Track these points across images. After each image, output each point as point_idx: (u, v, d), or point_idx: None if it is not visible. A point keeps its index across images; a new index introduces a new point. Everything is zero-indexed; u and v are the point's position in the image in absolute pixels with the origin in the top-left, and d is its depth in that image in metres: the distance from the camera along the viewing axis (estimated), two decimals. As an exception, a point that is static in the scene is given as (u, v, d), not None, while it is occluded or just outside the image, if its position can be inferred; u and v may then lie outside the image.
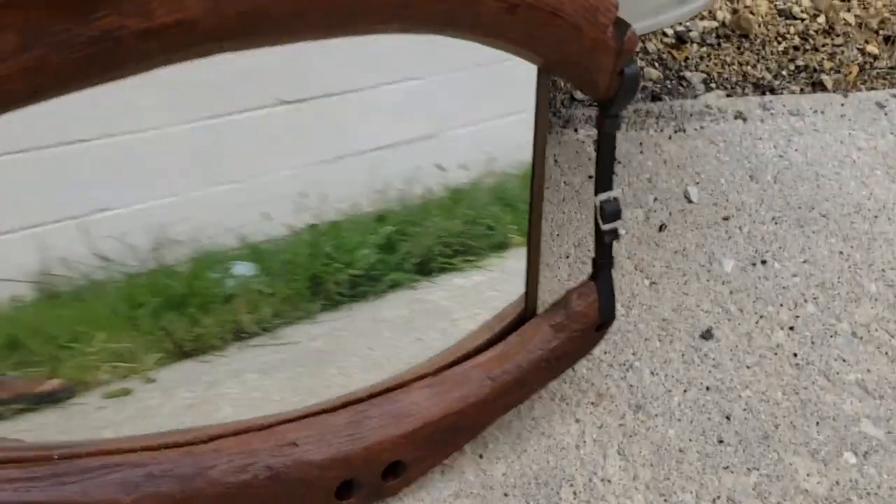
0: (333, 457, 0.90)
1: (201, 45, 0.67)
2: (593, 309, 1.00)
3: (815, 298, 1.22)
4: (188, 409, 0.91)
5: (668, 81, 1.76)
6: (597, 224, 0.98)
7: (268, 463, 0.87)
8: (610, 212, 0.96)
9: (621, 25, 0.83)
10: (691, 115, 1.45)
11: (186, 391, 0.90)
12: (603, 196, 0.96)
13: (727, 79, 1.78)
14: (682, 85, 1.76)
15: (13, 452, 0.81)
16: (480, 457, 1.02)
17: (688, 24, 1.92)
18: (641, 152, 1.38)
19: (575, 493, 1.00)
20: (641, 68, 1.77)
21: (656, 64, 1.82)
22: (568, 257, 1.22)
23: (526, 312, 1.02)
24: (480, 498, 0.98)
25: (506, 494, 0.99)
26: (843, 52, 1.89)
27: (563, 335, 1.00)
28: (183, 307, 0.89)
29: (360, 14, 0.68)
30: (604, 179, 0.96)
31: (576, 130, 1.38)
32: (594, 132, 1.38)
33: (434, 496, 0.98)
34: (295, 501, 0.90)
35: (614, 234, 0.98)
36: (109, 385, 0.86)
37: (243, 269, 0.93)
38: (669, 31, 1.91)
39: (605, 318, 1.02)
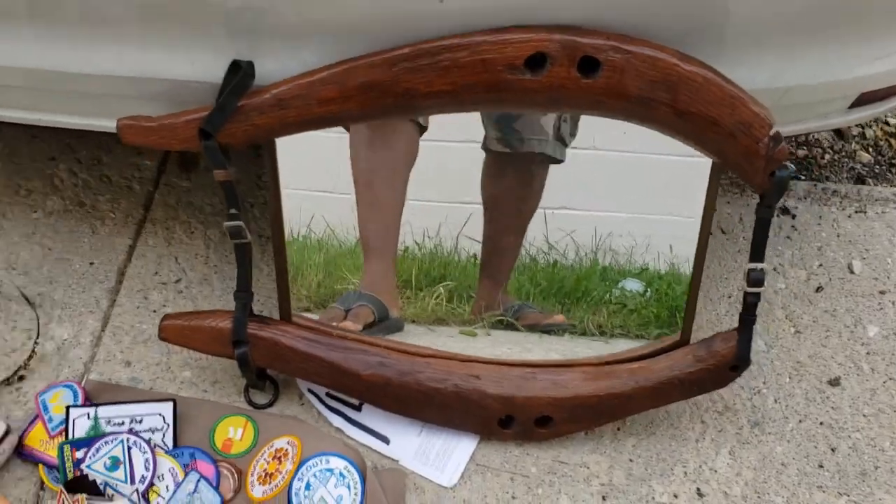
0: (502, 395, 1.24)
1: (462, 105, 1.04)
2: (731, 352, 1.21)
3: (947, 375, 1.38)
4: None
5: (877, 166, 1.92)
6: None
7: (457, 382, 1.23)
8: (754, 279, 1.15)
9: (776, 139, 1.04)
10: (876, 200, 1.64)
11: (506, 348, 1.31)
12: (751, 265, 1.15)
13: (938, 173, 1.90)
14: (891, 172, 1.91)
15: (313, 324, 1.25)
16: (618, 429, 1.31)
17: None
18: (819, 224, 1.59)
19: (685, 473, 1.27)
20: (854, 151, 1.95)
21: (870, 149, 1.97)
22: (731, 297, 1.48)
23: (681, 340, 1.26)
24: (610, 457, 1.28)
25: (631, 460, 1.28)
26: None
27: (700, 365, 1.22)
28: (559, 297, 1.31)
29: (566, 101, 1.02)
30: (756, 253, 1.15)
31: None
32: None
33: (574, 447, 1.29)
34: (469, 416, 1.25)
35: (757, 296, 1.17)
36: (468, 325, 1.34)
37: (634, 285, 1.29)
38: (893, 121, 2.05)
39: (739, 361, 1.22)
